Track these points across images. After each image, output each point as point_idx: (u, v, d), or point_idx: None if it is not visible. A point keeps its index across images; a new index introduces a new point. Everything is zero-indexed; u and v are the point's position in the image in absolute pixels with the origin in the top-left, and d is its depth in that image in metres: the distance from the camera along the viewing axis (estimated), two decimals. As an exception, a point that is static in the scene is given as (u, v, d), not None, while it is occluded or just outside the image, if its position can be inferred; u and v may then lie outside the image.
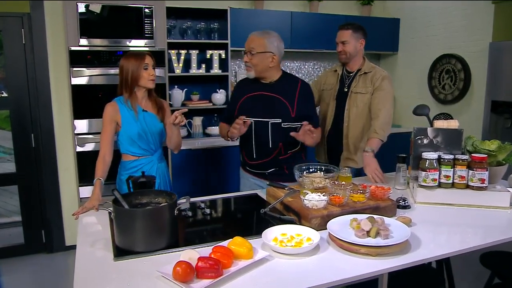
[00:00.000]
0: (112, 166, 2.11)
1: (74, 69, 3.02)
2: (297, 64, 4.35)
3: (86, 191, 3.14)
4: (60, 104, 3.36)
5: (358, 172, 2.45)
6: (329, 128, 2.51)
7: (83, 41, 3.03)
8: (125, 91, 2.08)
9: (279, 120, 2.12)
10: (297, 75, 4.30)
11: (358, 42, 2.43)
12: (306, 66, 4.39)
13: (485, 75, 3.30)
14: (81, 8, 2.98)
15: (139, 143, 2.09)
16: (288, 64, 4.30)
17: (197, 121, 3.72)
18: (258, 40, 2.09)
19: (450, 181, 1.88)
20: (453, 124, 2.04)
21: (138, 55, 2.06)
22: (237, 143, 2.33)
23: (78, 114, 3.09)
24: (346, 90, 2.48)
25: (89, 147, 3.14)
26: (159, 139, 2.17)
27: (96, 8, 3.02)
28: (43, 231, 3.42)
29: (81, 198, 3.17)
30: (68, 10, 2.96)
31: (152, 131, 2.11)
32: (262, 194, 2.05)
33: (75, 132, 3.11)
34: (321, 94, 2.62)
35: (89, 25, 3.03)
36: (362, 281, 1.31)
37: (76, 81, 3.04)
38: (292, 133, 2.07)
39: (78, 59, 3.03)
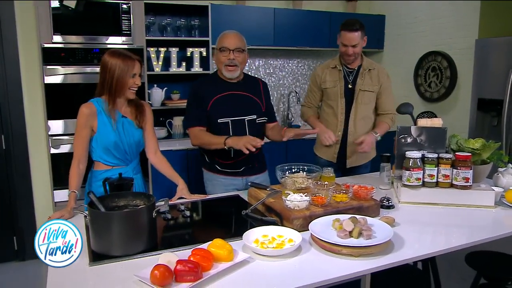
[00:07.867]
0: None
1: (48, 67, 2.91)
2: (280, 62, 4.28)
3: (61, 194, 3.02)
4: (33, 104, 3.21)
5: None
6: (343, 126, 2.46)
7: (57, 38, 2.91)
8: (106, 95, 1.84)
9: (254, 116, 2.17)
10: (280, 73, 4.31)
11: (363, 40, 2.39)
12: (289, 64, 4.33)
13: (471, 73, 3.27)
14: (54, 3, 2.86)
15: (114, 153, 1.90)
16: (271, 61, 4.24)
17: (178, 121, 3.61)
18: (242, 39, 2.13)
19: (434, 180, 1.86)
20: (436, 122, 2.02)
21: (128, 58, 1.82)
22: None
23: (53, 114, 2.97)
24: (350, 87, 2.45)
25: (64, 148, 3.02)
26: (136, 148, 1.99)
27: (70, 3, 2.90)
28: (15, 238, 3.26)
29: (56, 202, 3.05)
30: (40, 5, 2.83)
31: (129, 141, 1.93)
32: (244, 195, 1.99)
33: (50, 133, 2.99)
34: (323, 93, 2.54)
35: (63, 21, 2.91)
36: (344, 282, 1.28)
37: (49, 79, 2.92)
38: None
39: (51, 57, 2.91)
